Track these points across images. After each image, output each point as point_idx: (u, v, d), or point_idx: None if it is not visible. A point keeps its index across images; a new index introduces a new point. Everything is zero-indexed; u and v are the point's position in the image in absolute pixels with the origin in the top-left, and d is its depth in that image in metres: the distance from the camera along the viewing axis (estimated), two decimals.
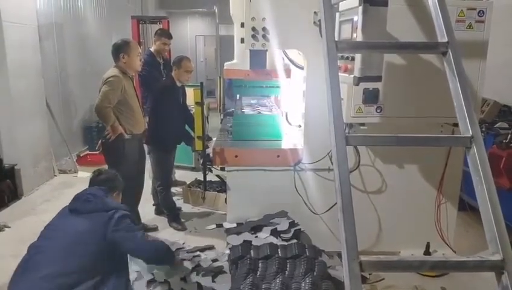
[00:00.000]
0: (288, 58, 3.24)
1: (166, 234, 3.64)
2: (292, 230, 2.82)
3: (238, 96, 3.20)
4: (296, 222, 2.93)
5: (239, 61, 3.16)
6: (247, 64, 3.05)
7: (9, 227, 3.81)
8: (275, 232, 2.82)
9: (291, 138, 3.30)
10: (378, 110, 2.57)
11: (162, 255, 2.36)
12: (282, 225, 2.86)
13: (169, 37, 4.73)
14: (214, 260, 2.94)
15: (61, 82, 5.77)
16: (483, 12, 2.52)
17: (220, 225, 3.13)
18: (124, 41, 3.35)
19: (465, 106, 1.53)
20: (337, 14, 2.33)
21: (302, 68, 3.07)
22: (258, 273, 2.40)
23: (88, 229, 2.06)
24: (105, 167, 3.28)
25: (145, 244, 2.24)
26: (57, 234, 2.07)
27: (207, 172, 3.50)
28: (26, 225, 3.84)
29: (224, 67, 3.30)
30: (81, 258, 1.97)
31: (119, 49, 3.28)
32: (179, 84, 3.76)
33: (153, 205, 4.08)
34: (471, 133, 1.49)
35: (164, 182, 3.81)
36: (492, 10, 2.52)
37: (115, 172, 2.49)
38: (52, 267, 1.92)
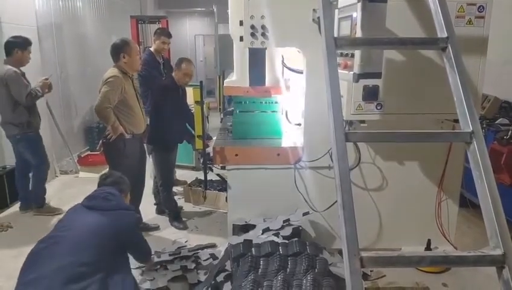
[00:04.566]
0: (287, 67, 3.26)
1: (168, 233, 3.65)
2: (290, 228, 2.82)
3: (238, 111, 3.32)
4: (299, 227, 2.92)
5: (238, 78, 3.17)
6: (247, 81, 3.08)
7: (12, 227, 3.82)
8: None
9: (291, 136, 3.30)
10: (379, 107, 2.56)
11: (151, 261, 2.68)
12: (286, 230, 2.86)
13: (169, 36, 4.73)
14: (215, 258, 2.95)
15: (61, 83, 5.77)
16: (483, 7, 2.51)
17: None
18: (124, 41, 3.34)
19: (465, 101, 1.53)
20: (336, 11, 2.32)
21: (302, 73, 3.07)
22: (260, 271, 2.40)
23: (106, 224, 2.12)
24: (107, 167, 3.28)
25: (147, 252, 2.48)
26: (72, 227, 2.11)
27: (207, 171, 3.50)
28: (29, 225, 3.85)
29: (224, 85, 3.33)
30: (96, 250, 2.01)
31: (120, 49, 3.28)
32: (178, 83, 3.76)
33: (154, 204, 4.09)
34: (471, 128, 1.48)
35: (165, 181, 3.81)
36: (492, 5, 2.51)
37: (121, 175, 2.53)
38: (67, 258, 1.95)
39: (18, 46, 3.88)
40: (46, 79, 4.03)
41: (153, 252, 2.63)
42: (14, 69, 3.81)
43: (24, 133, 3.91)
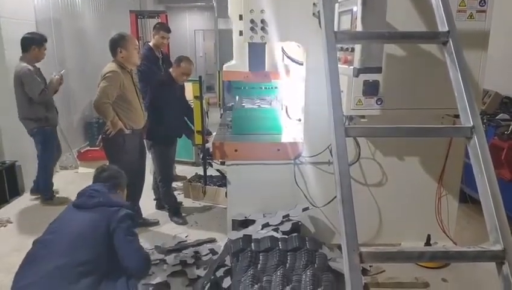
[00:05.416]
0: (287, 56, 3.22)
1: (168, 228, 3.65)
2: (290, 223, 2.82)
3: (237, 98, 3.25)
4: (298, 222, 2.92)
5: (238, 63, 3.14)
6: (246, 65, 3.05)
7: (11, 222, 3.83)
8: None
9: (291, 131, 3.29)
10: (379, 102, 2.55)
11: (145, 272, 2.30)
12: (285, 225, 2.86)
13: (168, 30, 4.71)
14: (215, 253, 2.95)
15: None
16: (484, 2, 2.48)
17: None
18: (120, 35, 3.33)
19: (466, 96, 1.52)
20: (336, 5, 2.30)
21: (301, 64, 3.05)
22: (259, 266, 2.40)
23: (92, 222, 2.08)
24: (107, 162, 3.28)
25: (137, 255, 2.14)
26: (63, 228, 2.09)
27: (207, 167, 3.50)
28: (28, 220, 3.86)
29: (223, 69, 3.29)
30: (87, 250, 1.99)
31: (116, 44, 3.26)
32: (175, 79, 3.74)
33: (154, 199, 4.09)
34: (472, 123, 1.47)
35: (165, 176, 3.81)
36: (494, 0, 2.49)
37: (118, 169, 2.49)
38: (60, 259, 1.93)
39: (35, 43, 3.96)
40: (56, 75, 4.13)
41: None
42: (29, 66, 3.89)
43: (41, 127, 4.02)
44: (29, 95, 3.88)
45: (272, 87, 3.23)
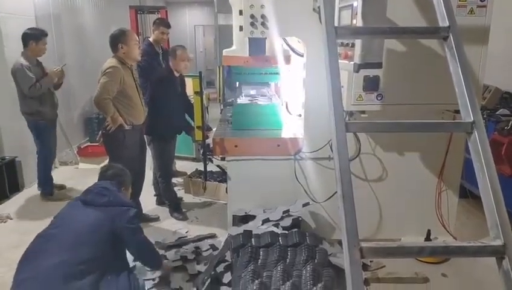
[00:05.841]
0: (288, 45, 3.20)
1: (168, 223, 3.66)
2: (290, 219, 2.82)
3: (237, 83, 3.17)
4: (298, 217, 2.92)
5: (238, 48, 3.11)
6: (246, 50, 3.01)
7: (11, 218, 3.83)
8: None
9: (292, 127, 3.28)
10: (379, 98, 2.55)
11: (154, 262, 2.53)
12: (285, 221, 2.86)
13: (168, 26, 4.70)
14: (215, 249, 2.96)
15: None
16: None
17: None
18: (120, 31, 3.32)
19: (467, 91, 1.51)
20: (337, 0, 2.30)
21: (301, 55, 3.04)
22: (259, 262, 2.41)
23: (97, 221, 2.09)
24: (107, 158, 3.28)
25: (148, 251, 2.40)
26: (68, 223, 2.11)
27: (207, 162, 3.50)
28: (28, 216, 3.87)
29: (223, 54, 3.26)
30: (89, 248, 2.00)
31: (117, 39, 3.26)
32: (176, 74, 3.74)
33: (154, 195, 4.10)
34: (472, 118, 1.47)
35: (165, 172, 3.81)
36: None
37: (122, 167, 2.51)
38: (62, 256, 1.94)
39: (33, 38, 4.00)
40: (55, 68, 4.21)
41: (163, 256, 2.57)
42: (22, 62, 3.93)
43: (35, 121, 4.07)
44: (22, 89, 3.95)
45: (272, 73, 3.16)
